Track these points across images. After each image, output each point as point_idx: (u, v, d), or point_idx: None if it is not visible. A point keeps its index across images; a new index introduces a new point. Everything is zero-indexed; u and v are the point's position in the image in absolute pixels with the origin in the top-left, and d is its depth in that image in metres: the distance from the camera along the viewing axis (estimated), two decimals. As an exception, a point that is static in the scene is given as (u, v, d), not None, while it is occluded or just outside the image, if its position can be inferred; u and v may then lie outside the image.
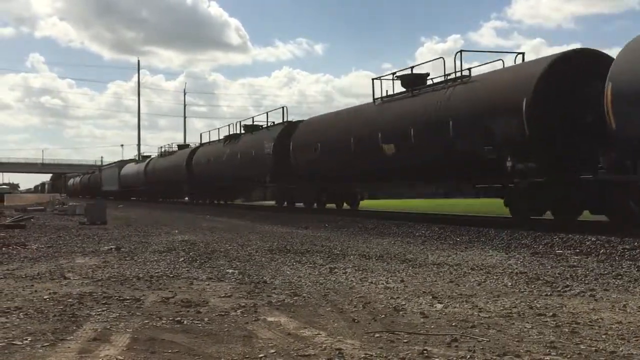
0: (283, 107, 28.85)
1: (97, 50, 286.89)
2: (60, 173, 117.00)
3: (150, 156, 56.43)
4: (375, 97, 20.35)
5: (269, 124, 29.98)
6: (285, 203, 29.08)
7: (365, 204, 30.58)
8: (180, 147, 47.14)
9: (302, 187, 26.10)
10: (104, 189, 67.36)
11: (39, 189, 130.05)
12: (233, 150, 31.87)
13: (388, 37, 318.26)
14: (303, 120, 27.24)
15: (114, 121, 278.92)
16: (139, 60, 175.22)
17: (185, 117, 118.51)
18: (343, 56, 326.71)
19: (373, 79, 20.52)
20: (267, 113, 30.57)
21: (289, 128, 26.97)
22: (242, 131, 32.48)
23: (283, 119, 28.62)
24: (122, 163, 64.69)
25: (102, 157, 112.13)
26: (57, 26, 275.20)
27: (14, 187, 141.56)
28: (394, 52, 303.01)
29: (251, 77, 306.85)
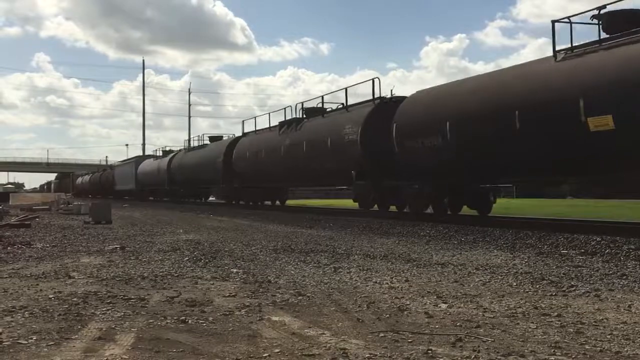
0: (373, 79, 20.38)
1: (102, 49, 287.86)
2: (65, 172, 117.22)
3: (171, 151, 48.96)
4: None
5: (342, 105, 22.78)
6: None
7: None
8: (213, 138, 39.14)
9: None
10: (118, 188, 61.93)
11: (45, 188, 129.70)
12: (296, 138, 24.26)
13: (393, 36, 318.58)
14: (406, 97, 19.45)
15: (119, 120, 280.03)
16: (143, 60, 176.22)
17: (190, 117, 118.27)
18: (348, 56, 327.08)
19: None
20: (322, 96, 24.20)
21: (380, 108, 19.82)
22: (304, 115, 25.20)
23: (373, 95, 20.43)
24: (140, 159, 57.15)
25: (106, 157, 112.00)
26: (63, 26, 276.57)
27: (19, 186, 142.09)
28: (399, 51, 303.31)
29: (256, 77, 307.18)
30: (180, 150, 46.00)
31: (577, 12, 13.19)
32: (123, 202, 49.20)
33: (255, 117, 33.29)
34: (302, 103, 25.80)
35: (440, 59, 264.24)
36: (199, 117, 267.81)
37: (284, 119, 26.32)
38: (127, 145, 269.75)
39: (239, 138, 32.33)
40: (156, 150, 55.99)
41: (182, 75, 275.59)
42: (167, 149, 51.60)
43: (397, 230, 14.46)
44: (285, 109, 26.80)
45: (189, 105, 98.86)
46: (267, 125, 28.89)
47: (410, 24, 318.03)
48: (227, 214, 24.89)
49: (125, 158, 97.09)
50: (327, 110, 23.92)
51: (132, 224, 18.42)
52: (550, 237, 11.57)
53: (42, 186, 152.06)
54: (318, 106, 24.48)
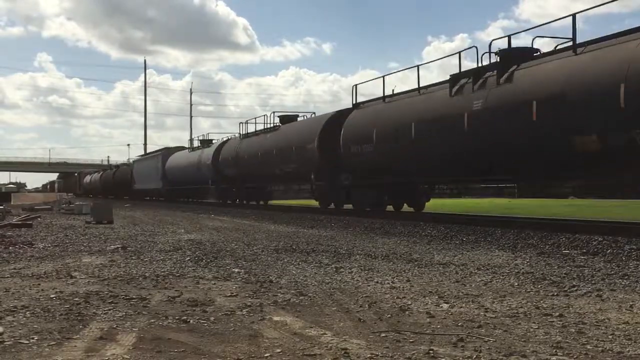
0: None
1: (104, 49, 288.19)
2: (68, 172, 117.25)
3: (209, 141, 39.00)
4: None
5: None
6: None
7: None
8: (283, 119, 28.65)
9: None
10: (137, 187, 53.32)
11: (48, 188, 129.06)
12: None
13: (395, 36, 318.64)
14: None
15: (121, 120, 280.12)
16: (145, 60, 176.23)
17: (191, 117, 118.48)
18: (350, 55, 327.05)
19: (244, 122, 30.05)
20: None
21: (334, 118, 23.46)
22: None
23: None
24: (168, 151, 46.81)
25: (108, 157, 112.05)
26: (65, 26, 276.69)
27: (20, 186, 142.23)
28: (401, 51, 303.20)
29: (258, 77, 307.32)
30: (230, 138, 34.69)
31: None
32: (148, 204, 43.58)
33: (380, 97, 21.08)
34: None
35: (442, 59, 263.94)
36: (201, 117, 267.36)
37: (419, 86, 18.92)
38: (128, 145, 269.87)
39: (351, 110, 22.17)
40: (197, 138, 45.22)
41: (184, 75, 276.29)
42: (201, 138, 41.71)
43: (399, 230, 14.46)
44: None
45: (190, 105, 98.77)
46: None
47: (412, 23, 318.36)
48: (229, 214, 24.91)
49: (128, 158, 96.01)
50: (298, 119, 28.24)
51: (133, 224, 18.44)
52: (552, 237, 11.56)
53: (44, 186, 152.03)
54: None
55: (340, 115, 22.64)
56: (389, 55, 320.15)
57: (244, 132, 32.24)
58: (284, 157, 25.81)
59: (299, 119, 28.60)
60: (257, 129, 30.90)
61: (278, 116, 29.44)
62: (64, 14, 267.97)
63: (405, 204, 21.56)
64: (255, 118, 32.97)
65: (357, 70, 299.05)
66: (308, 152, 23.68)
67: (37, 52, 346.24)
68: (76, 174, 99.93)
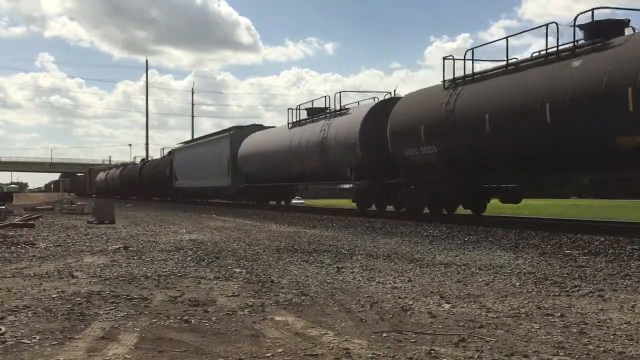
0: None
1: (106, 49, 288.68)
2: (68, 172, 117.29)
3: (326, 109, 24.79)
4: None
5: None
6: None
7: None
8: (311, 110, 26.14)
9: None
10: (181, 185, 41.45)
11: (52, 187, 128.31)
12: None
13: (398, 36, 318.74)
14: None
15: (123, 120, 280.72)
16: (147, 60, 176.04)
17: (193, 117, 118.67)
18: (353, 55, 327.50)
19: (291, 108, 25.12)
20: None
21: (377, 108, 20.93)
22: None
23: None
24: (240, 132, 33.17)
25: (110, 157, 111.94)
26: (67, 26, 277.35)
27: (22, 186, 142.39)
28: (403, 51, 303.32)
29: (260, 77, 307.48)
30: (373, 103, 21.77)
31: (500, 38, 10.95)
32: (161, 206, 38.01)
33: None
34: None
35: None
36: (203, 117, 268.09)
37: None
38: (130, 145, 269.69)
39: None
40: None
41: (186, 75, 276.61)
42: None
43: (400, 230, 14.46)
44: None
45: (192, 105, 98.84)
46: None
47: (414, 23, 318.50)
48: (230, 214, 24.91)
49: (127, 158, 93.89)
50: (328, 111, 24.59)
51: (135, 224, 18.44)
52: (554, 237, 11.55)
53: (47, 185, 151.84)
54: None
55: (387, 104, 20.38)
56: (391, 55, 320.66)
57: (295, 120, 26.91)
58: (320, 152, 23.00)
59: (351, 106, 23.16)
60: (304, 116, 26.59)
61: (305, 109, 26.47)
62: (66, 14, 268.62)
63: (461, 206, 18.61)
64: (312, 101, 26.78)
65: (360, 70, 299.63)
66: (347, 147, 21.17)
67: (39, 52, 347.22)
68: (79, 174, 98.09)
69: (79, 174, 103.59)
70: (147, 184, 49.66)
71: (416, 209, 18.55)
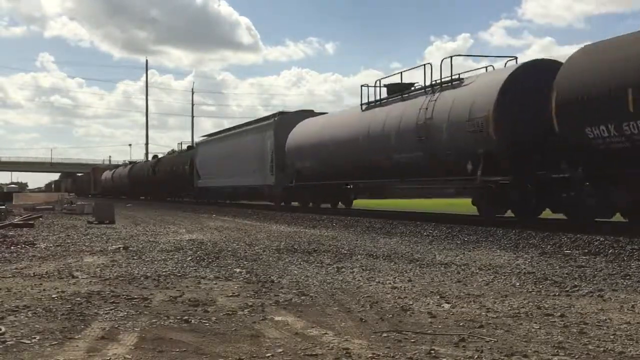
0: None
1: (106, 49, 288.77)
2: (68, 172, 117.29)
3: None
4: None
5: None
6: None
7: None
8: (394, 86, 20.24)
9: None
10: (206, 185, 36.08)
11: (53, 187, 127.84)
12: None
13: (398, 36, 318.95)
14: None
15: (123, 120, 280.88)
16: (147, 60, 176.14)
17: (193, 117, 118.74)
18: (353, 55, 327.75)
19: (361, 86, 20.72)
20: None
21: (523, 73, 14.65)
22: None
23: None
24: (285, 119, 27.18)
25: (110, 157, 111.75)
26: (67, 26, 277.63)
27: (22, 186, 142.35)
28: (403, 51, 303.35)
29: (260, 77, 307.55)
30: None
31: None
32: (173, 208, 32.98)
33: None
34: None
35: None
36: (203, 117, 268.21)
37: None
38: (130, 145, 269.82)
39: None
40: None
41: (186, 75, 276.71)
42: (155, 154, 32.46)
43: (400, 230, 14.46)
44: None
45: (192, 105, 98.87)
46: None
47: (414, 23, 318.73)
48: (230, 214, 24.91)
49: (129, 158, 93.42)
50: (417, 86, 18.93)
51: (135, 224, 18.44)
52: (554, 237, 11.55)
53: (47, 185, 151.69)
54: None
55: (539, 67, 14.60)
56: (392, 55, 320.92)
57: (371, 100, 20.92)
58: (418, 139, 17.06)
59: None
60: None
61: (386, 85, 20.54)
62: (66, 14, 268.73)
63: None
64: (401, 72, 20.04)
65: (359, 70, 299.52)
66: (468, 130, 15.18)
67: (40, 52, 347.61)
68: (80, 174, 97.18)
69: (79, 174, 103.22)
70: (162, 183, 44.81)
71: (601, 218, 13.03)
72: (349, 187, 24.18)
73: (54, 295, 6.10)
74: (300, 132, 25.23)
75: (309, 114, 27.45)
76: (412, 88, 19.22)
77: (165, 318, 5.06)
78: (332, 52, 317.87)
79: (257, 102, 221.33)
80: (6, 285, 6.70)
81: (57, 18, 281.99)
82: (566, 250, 10.01)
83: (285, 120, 27.10)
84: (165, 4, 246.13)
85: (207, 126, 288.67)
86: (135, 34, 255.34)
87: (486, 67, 17.31)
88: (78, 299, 5.91)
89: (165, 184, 44.39)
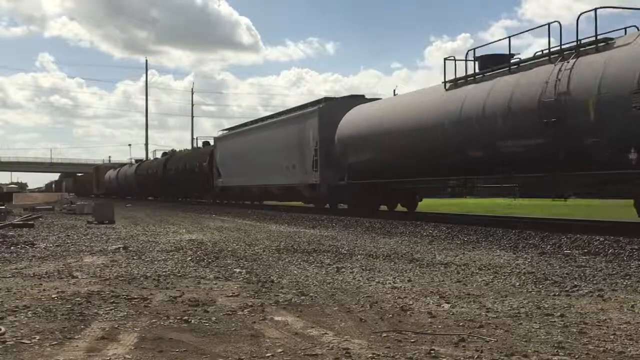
0: None
1: (107, 49, 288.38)
2: (68, 172, 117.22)
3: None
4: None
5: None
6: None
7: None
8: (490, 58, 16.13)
9: None
10: (227, 184, 32.17)
11: (53, 187, 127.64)
12: None
13: (398, 35, 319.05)
14: None
15: (123, 120, 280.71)
16: (146, 60, 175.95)
17: (192, 117, 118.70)
18: (352, 55, 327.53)
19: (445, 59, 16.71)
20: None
21: None
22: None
23: None
24: (334, 106, 23.70)
25: (110, 157, 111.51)
26: (67, 26, 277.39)
27: (22, 186, 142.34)
28: (403, 51, 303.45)
29: (260, 77, 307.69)
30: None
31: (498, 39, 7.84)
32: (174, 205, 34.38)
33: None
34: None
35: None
36: (203, 117, 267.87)
37: None
38: (129, 145, 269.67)
39: None
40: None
41: (186, 75, 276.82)
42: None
43: (400, 230, 14.46)
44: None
45: (192, 105, 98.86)
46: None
47: (414, 23, 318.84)
48: (230, 214, 24.91)
49: (129, 157, 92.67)
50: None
51: (135, 224, 18.44)
52: (553, 237, 11.55)
53: (47, 185, 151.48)
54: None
55: None
56: (392, 55, 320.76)
57: (458, 77, 16.81)
58: (543, 122, 12.90)
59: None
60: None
61: (477, 58, 16.55)
62: (66, 14, 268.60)
63: None
64: (509, 37, 15.64)
65: (359, 70, 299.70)
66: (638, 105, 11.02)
67: (39, 52, 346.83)
68: (79, 174, 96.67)
69: (79, 174, 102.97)
70: (174, 183, 40.91)
71: None
72: (417, 186, 19.54)
73: (53, 295, 6.10)
74: (354, 119, 21.13)
75: (359, 99, 23.44)
76: (517, 59, 15.24)
77: (165, 318, 5.06)
78: (332, 52, 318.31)
79: (257, 102, 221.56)
80: (6, 286, 6.70)
81: (57, 18, 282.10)
82: (566, 250, 10.01)
83: (332, 107, 23.17)
84: (165, 4, 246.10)
85: (207, 126, 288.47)
86: (135, 34, 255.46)
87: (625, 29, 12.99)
88: (78, 299, 5.91)
89: (178, 183, 40.50)
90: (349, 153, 21.09)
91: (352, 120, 21.38)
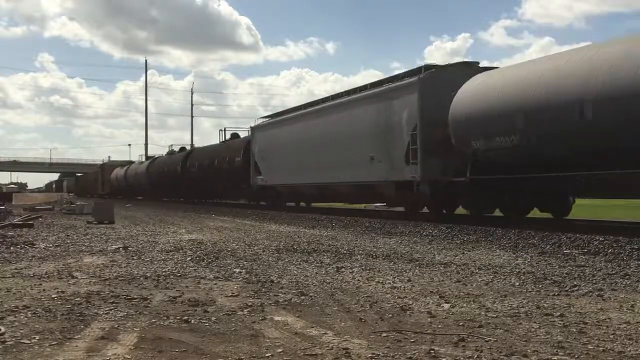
0: None
1: (106, 49, 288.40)
2: (68, 172, 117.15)
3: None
4: None
5: None
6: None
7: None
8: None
9: None
10: (271, 182, 26.62)
11: (53, 187, 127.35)
12: None
13: (398, 36, 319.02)
14: None
15: (123, 120, 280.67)
16: (146, 60, 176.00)
17: (192, 117, 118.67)
18: (352, 55, 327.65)
19: None
20: None
21: None
22: None
23: None
24: (441, 76, 17.03)
25: (109, 157, 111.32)
26: (67, 26, 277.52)
27: (22, 186, 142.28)
28: (403, 51, 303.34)
29: (260, 77, 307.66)
30: None
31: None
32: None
33: None
34: None
35: (445, 59, 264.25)
36: (203, 117, 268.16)
37: None
38: (129, 145, 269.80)
39: None
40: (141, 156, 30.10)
41: (186, 75, 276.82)
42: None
43: (400, 230, 14.45)
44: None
45: (192, 105, 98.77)
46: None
47: (414, 23, 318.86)
48: (229, 214, 24.91)
49: (128, 158, 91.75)
50: None
51: (134, 224, 18.44)
52: (553, 236, 11.55)
53: (47, 185, 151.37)
54: None
55: None
56: (392, 55, 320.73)
57: None
58: None
59: None
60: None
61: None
62: (66, 14, 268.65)
63: None
64: None
65: (359, 70, 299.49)
66: None
67: (39, 52, 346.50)
68: (79, 174, 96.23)
69: (79, 174, 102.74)
70: (197, 182, 35.10)
71: None
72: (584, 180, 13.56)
73: (53, 296, 6.10)
74: (478, 92, 15.14)
75: (473, 68, 17.29)
76: None
77: (165, 318, 5.06)
78: (332, 52, 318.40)
79: (257, 102, 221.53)
80: (6, 286, 6.70)
81: (57, 18, 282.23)
82: (565, 249, 10.01)
83: (437, 78, 17.20)
84: (165, 4, 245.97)
85: (206, 126, 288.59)
86: (135, 34, 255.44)
87: None
88: (77, 299, 5.91)
89: (203, 182, 34.23)
90: (472, 137, 14.96)
91: (476, 92, 15.22)
